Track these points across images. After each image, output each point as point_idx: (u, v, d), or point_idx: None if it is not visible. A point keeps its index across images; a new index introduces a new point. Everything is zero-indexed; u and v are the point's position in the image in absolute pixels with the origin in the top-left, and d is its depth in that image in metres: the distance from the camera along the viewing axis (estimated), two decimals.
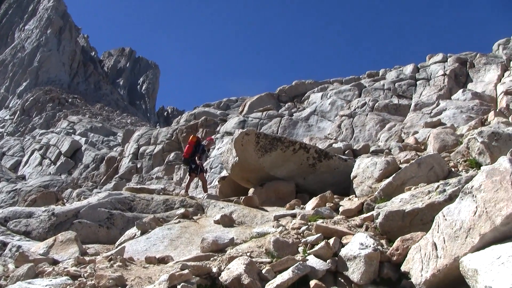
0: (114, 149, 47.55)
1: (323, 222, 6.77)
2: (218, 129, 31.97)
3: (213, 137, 29.09)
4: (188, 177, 16.04)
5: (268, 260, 5.79)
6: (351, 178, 10.27)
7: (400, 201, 6.77)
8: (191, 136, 15.88)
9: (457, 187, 6.12)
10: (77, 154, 47.03)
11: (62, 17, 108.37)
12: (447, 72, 25.39)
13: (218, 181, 15.58)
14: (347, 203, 8.77)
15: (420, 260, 4.73)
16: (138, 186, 14.41)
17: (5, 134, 72.24)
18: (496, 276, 3.62)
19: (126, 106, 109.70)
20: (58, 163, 45.97)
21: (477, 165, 8.37)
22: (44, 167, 46.70)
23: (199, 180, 17.14)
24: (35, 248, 8.11)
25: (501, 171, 4.23)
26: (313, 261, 5.43)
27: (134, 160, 36.11)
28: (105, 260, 6.59)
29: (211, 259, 6.20)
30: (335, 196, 9.54)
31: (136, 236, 8.75)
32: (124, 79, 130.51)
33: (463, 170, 8.33)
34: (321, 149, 12.64)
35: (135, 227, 9.13)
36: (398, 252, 5.27)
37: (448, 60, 27.41)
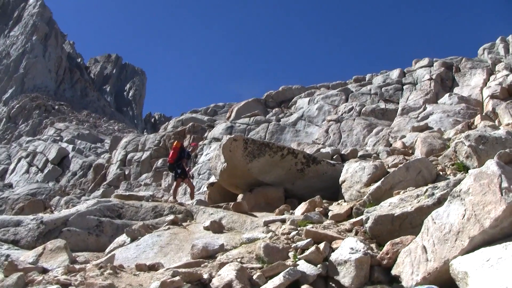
0: (102, 156, 47.19)
1: (312, 227, 6.78)
2: (205, 135, 31.90)
3: (199, 143, 29.06)
4: (175, 183, 16.09)
5: (259, 265, 5.80)
6: (340, 183, 10.31)
7: (389, 205, 6.81)
8: (175, 142, 15.96)
9: (445, 191, 6.18)
10: (64, 161, 46.57)
11: (48, 23, 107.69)
12: (433, 77, 25.58)
13: (207, 187, 15.57)
14: (336, 208, 8.81)
15: (410, 263, 4.77)
16: (127, 193, 14.36)
17: None
18: (486, 278, 3.66)
19: (113, 112, 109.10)
20: (46, 171, 45.49)
21: (465, 169, 8.45)
22: (31, 174, 46.23)
23: (187, 187, 17.16)
24: (24, 257, 8.03)
25: (489, 174, 4.28)
26: (304, 266, 5.44)
27: (122, 167, 35.91)
28: (95, 268, 6.53)
29: (202, 265, 6.19)
30: (324, 201, 9.57)
31: (125, 244, 8.71)
32: (110, 85, 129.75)
33: (451, 174, 8.41)
34: (309, 154, 12.68)
35: (124, 234, 9.09)
36: (388, 256, 5.29)
37: (434, 64, 27.65)
